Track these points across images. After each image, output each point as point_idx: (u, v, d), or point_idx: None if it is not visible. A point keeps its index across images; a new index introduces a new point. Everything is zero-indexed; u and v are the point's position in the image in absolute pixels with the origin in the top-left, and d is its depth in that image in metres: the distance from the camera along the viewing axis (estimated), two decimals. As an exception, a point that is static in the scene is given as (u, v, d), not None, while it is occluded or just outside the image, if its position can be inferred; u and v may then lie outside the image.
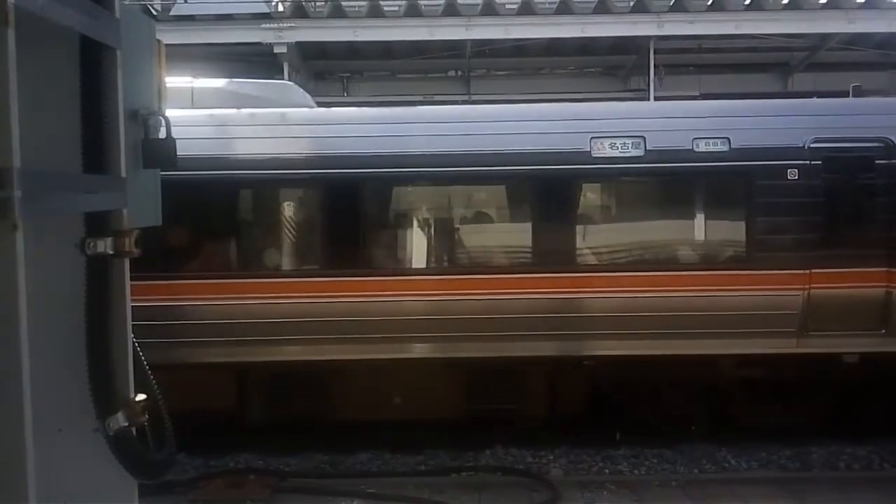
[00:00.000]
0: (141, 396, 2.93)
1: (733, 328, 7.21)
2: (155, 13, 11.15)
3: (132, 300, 2.90)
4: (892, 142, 7.32)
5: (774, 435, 7.71)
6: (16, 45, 2.06)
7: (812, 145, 7.29)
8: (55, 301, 2.68)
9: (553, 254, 7.37)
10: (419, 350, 7.37)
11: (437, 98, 11.93)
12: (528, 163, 7.29)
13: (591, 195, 7.86)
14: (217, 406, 7.47)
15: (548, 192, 7.41)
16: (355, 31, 11.09)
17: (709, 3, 11.29)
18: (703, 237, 7.68)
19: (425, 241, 7.67)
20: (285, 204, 7.83)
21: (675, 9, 11.03)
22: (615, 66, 12.83)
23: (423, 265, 7.60)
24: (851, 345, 7.33)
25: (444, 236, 7.66)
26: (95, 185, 2.75)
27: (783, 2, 11.32)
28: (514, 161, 7.29)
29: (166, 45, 3.44)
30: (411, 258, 7.64)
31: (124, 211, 2.85)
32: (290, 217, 7.83)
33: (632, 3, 11.17)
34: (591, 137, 7.30)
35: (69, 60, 2.69)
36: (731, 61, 12.51)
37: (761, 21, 11.07)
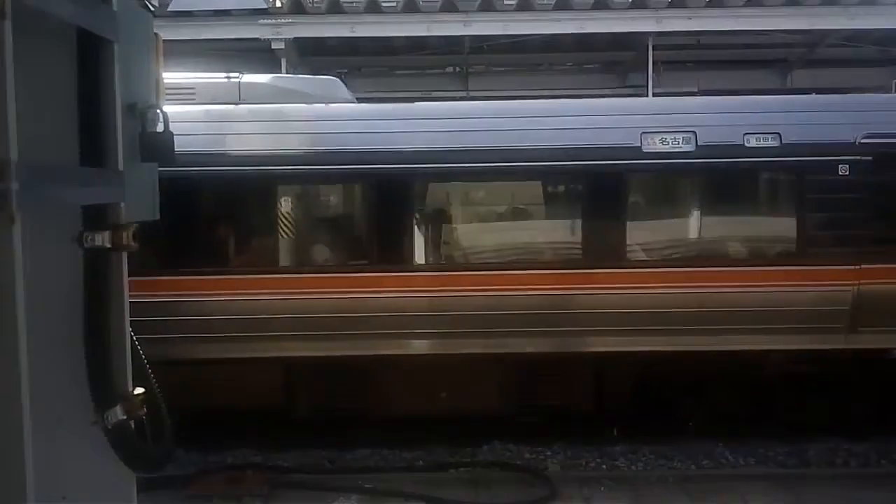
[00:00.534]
0: (139, 390, 2.93)
1: (783, 323, 7.19)
2: (152, 9, 11.08)
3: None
4: None
5: (772, 431, 7.72)
6: (13, 38, 2.05)
7: (863, 140, 7.29)
8: (53, 294, 2.68)
9: (603, 250, 7.36)
10: (473, 346, 7.29)
11: (434, 95, 11.91)
12: (582, 158, 7.24)
13: (641, 191, 7.83)
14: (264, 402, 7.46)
15: (598, 188, 7.39)
16: (353, 27, 11.05)
17: (707, -1, 11.28)
18: (752, 233, 7.66)
19: (478, 237, 7.72)
20: (335, 199, 7.90)
21: (673, 5, 10.99)
22: (614, 63, 12.79)
23: (479, 261, 7.59)
24: None
25: (494, 232, 7.68)
26: (93, 178, 2.74)
27: (782, -2, 11.31)
28: (569, 157, 7.25)
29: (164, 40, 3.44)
30: (468, 254, 7.66)
31: (122, 205, 2.85)
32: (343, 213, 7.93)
33: (630, -1, 11.17)
34: (642, 132, 7.30)
35: (67, 53, 2.69)
36: (730, 58, 12.46)
37: (760, 17, 11.02)
